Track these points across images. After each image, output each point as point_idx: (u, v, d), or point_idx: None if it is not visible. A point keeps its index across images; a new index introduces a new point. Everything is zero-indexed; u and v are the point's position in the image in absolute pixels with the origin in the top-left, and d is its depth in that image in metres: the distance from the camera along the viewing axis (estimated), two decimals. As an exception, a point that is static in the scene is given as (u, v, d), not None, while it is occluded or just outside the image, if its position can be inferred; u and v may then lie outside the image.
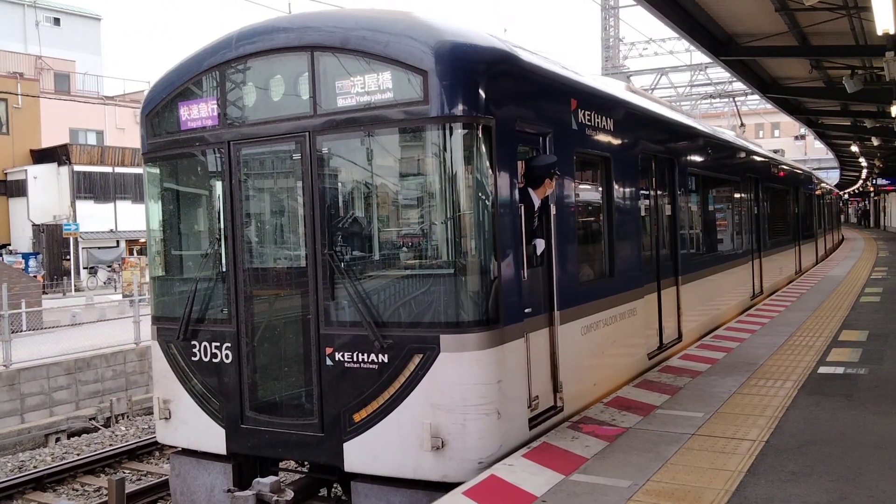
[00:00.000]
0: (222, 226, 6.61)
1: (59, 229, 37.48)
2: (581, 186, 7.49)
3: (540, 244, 6.42)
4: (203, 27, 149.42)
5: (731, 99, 35.06)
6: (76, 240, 37.92)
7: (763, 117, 59.30)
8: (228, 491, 6.43)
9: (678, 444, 5.98)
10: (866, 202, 74.27)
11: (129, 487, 10.16)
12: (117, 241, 40.42)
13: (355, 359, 5.82)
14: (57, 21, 51.86)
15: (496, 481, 5.23)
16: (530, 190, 6.29)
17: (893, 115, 17.50)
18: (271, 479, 5.99)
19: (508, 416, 5.73)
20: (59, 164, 38.93)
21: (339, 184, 6.31)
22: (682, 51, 34.05)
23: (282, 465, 7.41)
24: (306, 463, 7.01)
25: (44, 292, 29.01)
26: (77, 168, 38.67)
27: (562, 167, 6.69)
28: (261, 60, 6.34)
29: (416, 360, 5.58)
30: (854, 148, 34.12)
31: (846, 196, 71.82)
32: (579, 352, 6.94)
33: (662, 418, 6.74)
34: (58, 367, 15.59)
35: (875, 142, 28.74)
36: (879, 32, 10.77)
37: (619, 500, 4.90)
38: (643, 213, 8.94)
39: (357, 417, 5.81)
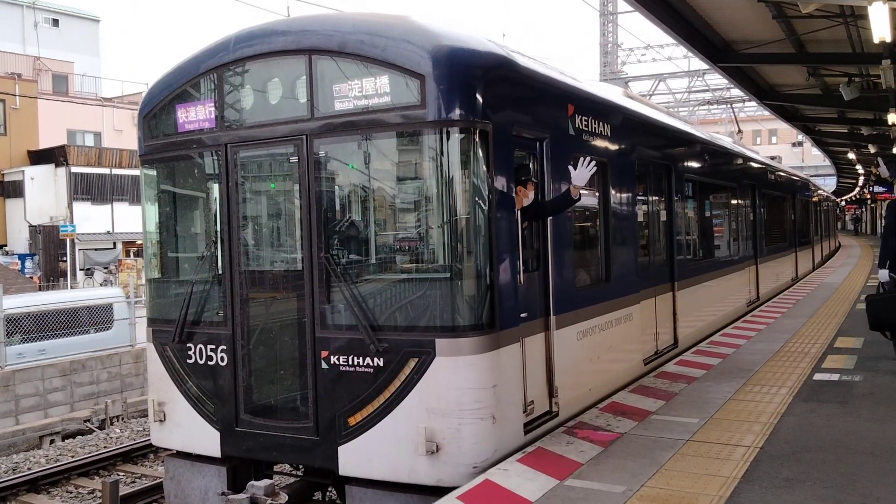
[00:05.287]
0: (219, 228, 6.61)
1: (56, 230, 37.36)
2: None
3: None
4: (202, 29, 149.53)
5: (729, 105, 35.17)
6: (73, 241, 37.76)
7: (761, 124, 59.40)
8: (223, 494, 6.42)
9: (673, 450, 5.98)
10: (862, 209, 74.42)
11: (124, 490, 10.12)
12: (114, 243, 40.34)
13: (351, 362, 5.82)
14: (55, 22, 51.79)
15: (491, 486, 5.23)
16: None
17: (890, 123, 17.57)
18: (266, 482, 5.99)
19: (503, 421, 5.73)
20: (57, 166, 38.84)
21: (336, 187, 6.32)
22: (681, 57, 34.18)
23: (276, 468, 7.39)
24: (301, 466, 7.00)
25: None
26: (74, 169, 38.56)
27: (558, 172, 6.70)
28: (259, 63, 6.35)
29: (412, 364, 5.57)
30: (851, 155, 34.24)
31: (843, 203, 71.95)
32: (575, 357, 6.94)
33: (657, 424, 6.74)
34: (53, 369, 15.54)
35: (872, 149, 28.83)
36: (876, 41, 10.83)
37: (614, 506, 4.90)
38: (640, 219, 8.95)
39: (352, 421, 5.81)
